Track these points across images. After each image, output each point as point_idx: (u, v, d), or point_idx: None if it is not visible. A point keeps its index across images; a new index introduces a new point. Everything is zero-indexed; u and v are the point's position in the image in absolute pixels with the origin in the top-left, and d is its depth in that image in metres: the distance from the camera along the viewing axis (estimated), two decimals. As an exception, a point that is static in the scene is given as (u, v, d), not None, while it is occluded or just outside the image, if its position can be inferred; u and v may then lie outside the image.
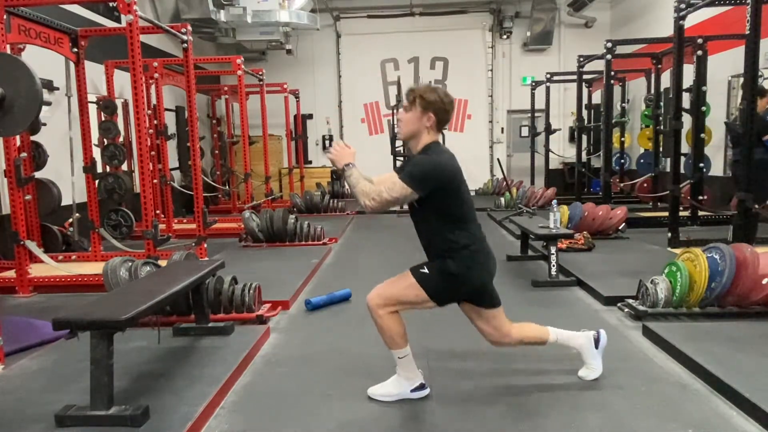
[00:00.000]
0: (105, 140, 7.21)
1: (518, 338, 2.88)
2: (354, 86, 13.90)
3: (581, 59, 9.55)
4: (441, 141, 2.79)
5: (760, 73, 5.28)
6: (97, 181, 6.24)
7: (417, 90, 2.70)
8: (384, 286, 2.72)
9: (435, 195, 2.59)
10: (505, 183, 10.76)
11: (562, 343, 2.94)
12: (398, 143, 11.18)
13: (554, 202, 5.28)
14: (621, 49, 8.61)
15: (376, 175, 2.91)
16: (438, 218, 2.65)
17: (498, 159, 12.09)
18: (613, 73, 8.67)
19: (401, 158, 11.47)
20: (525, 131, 13.33)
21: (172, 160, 10.06)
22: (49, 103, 6.71)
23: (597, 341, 2.97)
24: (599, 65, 8.84)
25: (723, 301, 3.79)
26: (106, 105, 7.31)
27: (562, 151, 13.02)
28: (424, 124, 2.67)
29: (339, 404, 2.77)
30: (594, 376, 2.96)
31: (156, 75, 7.91)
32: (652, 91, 9.63)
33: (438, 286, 2.67)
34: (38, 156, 5.92)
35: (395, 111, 11.54)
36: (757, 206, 5.02)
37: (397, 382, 2.79)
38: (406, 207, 2.71)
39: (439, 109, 2.66)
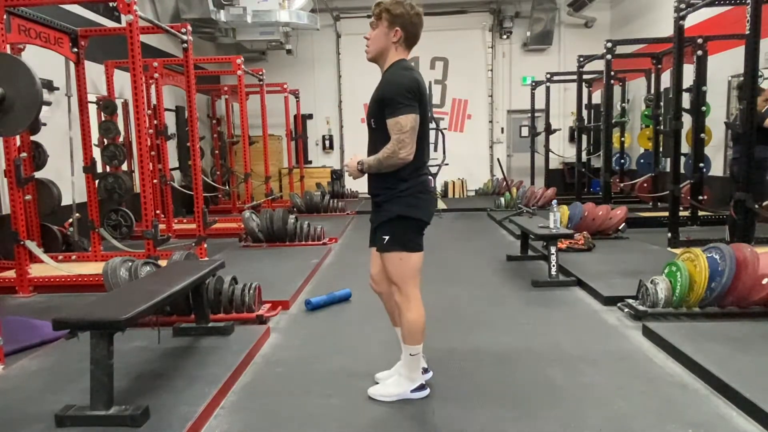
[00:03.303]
0: (105, 140, 7.21)
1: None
2: (354, 86, 13.86)
3: (581, 59, 9.55)
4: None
5: (760, 73, 5.28)
6: (97, 181, 6.23)
7: (383, 3, 2.54)
8: (386, 279, 2.69)
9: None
10: (505, 183, 10.76)
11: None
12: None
13: (554, 202, 5.28)
14: (621, 49, 8.61)
15: None
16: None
17: (498, 159, 12.10)
18: (613, 73, 8.66)
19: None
20: (525, 131, 13.32)
21: (172, 160, 10.07)
22: (49, 103, 6.71)
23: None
24: (599, 65, 8.83)
25: (723, 301, 3.78)
26: (106, 105, 7.31)
27: (562, 151, 13.02)
28: (391, 39, 2.56)
29: (339, 404, 2.77)
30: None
31: (156, 75, 7.91)
32: (652, 91, 9.63)
33: (402, 237, 2.58)
34: (38, 156, 5.93)
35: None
36: (757, 206, 5.02)
37: (398, 382, 2.78)
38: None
39: (407, 22, 2.53)
